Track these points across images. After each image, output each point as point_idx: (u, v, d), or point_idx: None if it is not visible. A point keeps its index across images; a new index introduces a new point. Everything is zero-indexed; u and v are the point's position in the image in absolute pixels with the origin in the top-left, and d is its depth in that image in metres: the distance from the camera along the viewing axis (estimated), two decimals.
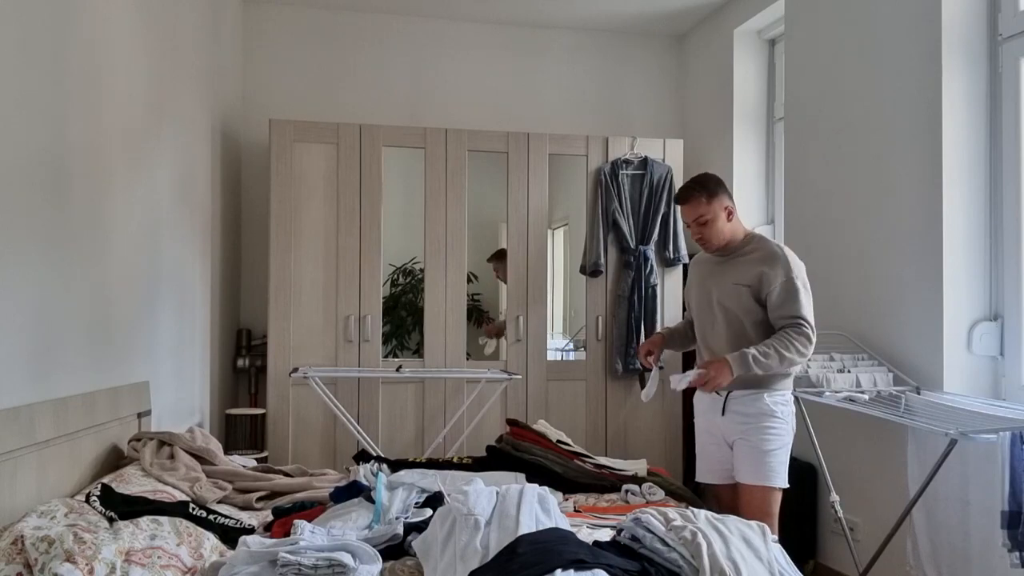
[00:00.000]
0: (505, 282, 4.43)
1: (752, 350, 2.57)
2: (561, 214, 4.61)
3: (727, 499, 2.78)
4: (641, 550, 1.85)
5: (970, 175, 2.97)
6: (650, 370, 2.93)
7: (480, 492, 2.04)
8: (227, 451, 3.28)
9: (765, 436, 2.64)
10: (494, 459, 3.04)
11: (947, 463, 2.64)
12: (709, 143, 4.71)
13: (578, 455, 3.07)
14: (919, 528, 2.92)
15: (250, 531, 2.24)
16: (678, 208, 4.31)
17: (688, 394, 3.01)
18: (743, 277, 2.68)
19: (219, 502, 2.51)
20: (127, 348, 2.81)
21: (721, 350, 2.68)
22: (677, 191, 2.84)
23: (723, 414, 2.69)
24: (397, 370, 4.04)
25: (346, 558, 1.74)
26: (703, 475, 2.85)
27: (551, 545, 1.76)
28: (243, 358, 4.39)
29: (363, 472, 2.67)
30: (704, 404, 2.81)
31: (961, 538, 2.77)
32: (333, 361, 4.06)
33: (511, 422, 3.26)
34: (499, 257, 4.52)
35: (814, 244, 3.66)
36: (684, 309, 3.12)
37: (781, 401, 2.68)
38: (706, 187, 2.71)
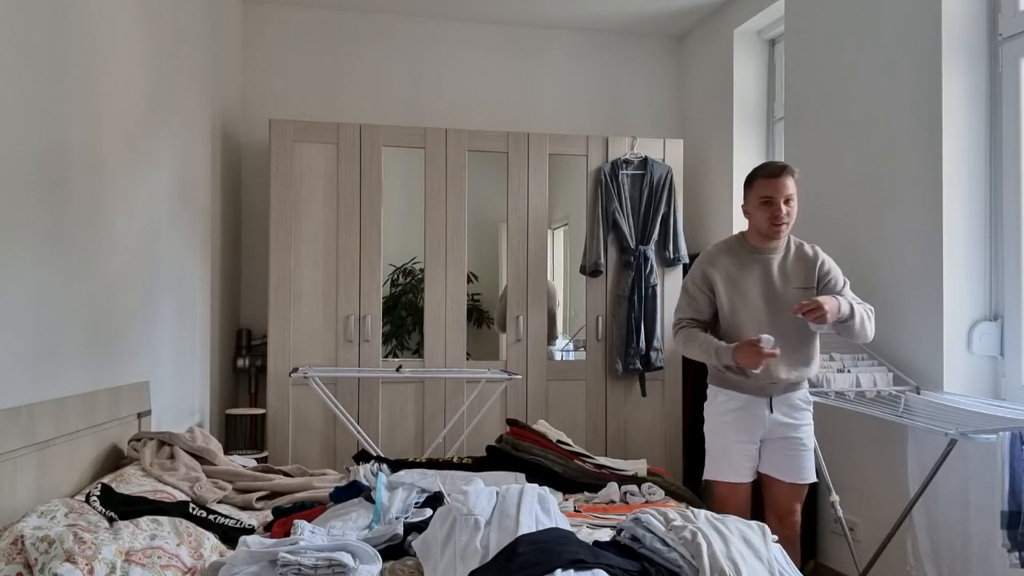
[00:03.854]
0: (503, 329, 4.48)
1: (857, 306, 2.70)
2: (561, 214, 4.61)
3: (744, 496, 2.76)
4: (641, 550, 1.85)
5: (970, 175, 2.97)
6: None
7: (480, 492, 2.04)
8: (227, 451, 3.28)
9: (808, 434, 2.77)
10: (494, 459, 3.04)
11: (947, 463, 2.64)
12: (709, 143, 4.72)
13: (578, 455, 3.07)
14: (919, 528, 2.92)
15: (250, 531, 2.24)
16: (677, 202, 4.35)
17: (691, 394, 3.00)
18: (801, 279, 2.75)
19: (219, 502, 2.51)
20: (127, 348, 2.81)
21: (787, 352, 2.66)
22: (766, 166, 2.74)
23: (771, 412, 2.72)
24: (397, 370, 4.04)
25: (346, 558, 1.74)
26: (728, 474, 2.74)
27: (551, 545, 1.76)
28: (243, 358, 4.39)
29: (363, 472, 2.67)
30: (739, 403, 2.72)
31: (961, 538, 2.77)
32: (333, 361, 4.06)
33: (511, 422, 3.26)
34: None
35: (814, 244, 3.65)
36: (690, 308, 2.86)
37: (809, 398, 2.82)
38: (795, 170, 2.75)
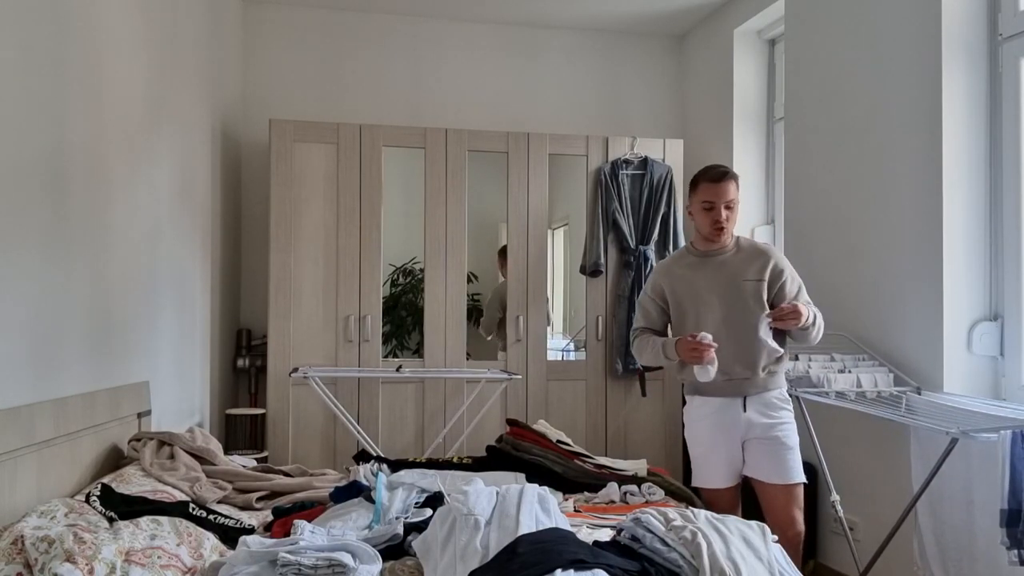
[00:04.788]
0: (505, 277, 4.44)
1: (816, 310, 2.72)
2: (561, 214, 4.62)
3: (728, 500, 2.77)
4: (641, 550, 1.85)
5: (970, 175, 2.97)
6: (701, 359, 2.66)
7: (480, 492, 2.04)
8: (227, 451, 3.28)
9: (788, 432, 2.71)
10: (494, 459, 3.04)
11: (951, 463, 2.64)
12: (709, 143, 4.71)
13: (578, 455, 3.07)
14: (925, 528, 2.92)
15: (250, 531, 2.24)
16: (677, 202, 4.35)
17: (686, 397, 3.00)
18: (752, 273, 2.73)
19: (219, 502, 2.51)
20: (127, 348, 2.81)
21: (743, 347, 2.69)
22: (709, 170, 2.77)
23: (745, 411, 2.70)
24: (397, 370, 4.04)
25: (346, 558, 1.74)
26: (710, 480, 2.77)
27: (551, 545, 1.76)
28: (243, 358, 4.39)
29: (363, 472, 2.67)
30: (712, 406, 2.74)
31: (967, 538, 2.77)
32: (333, 361, 4.06)
33: (511, 422, 3.26)
34: (503, 254, 4.50)
35: (814, 244, 3.66)
36: (644, 319, 2.92)
37: (786, 396, 2.78)
38: (736, 175, 2.80)
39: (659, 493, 2.77)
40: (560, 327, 4.79)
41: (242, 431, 3.95)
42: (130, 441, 2.71)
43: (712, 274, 2.77)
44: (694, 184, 2.81)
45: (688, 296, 2.79)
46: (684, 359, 2.66)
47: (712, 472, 2.77)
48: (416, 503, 2.27)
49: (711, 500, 2.79)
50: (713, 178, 2.75)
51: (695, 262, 2.82)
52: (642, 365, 4.11)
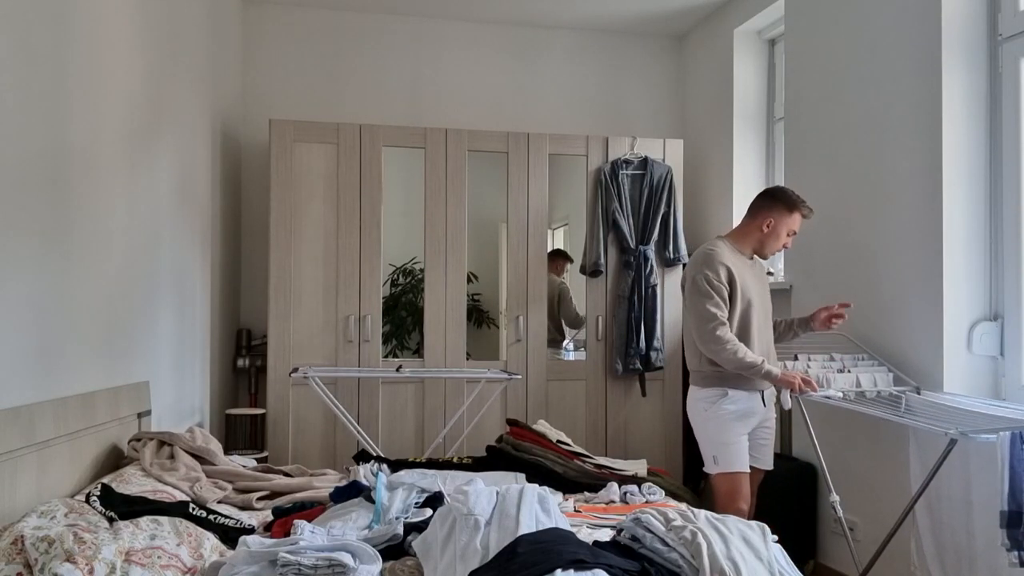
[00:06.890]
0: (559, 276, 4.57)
1: None
2: (561, 214, 4.61)
3: (748, 485, 2.95)
4: (641, 550, 1.85)
5: (970, 175, 2.97)
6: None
7: (480, 492, 2.04)
8: (227, 451, 3.28)
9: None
10: (494, 459, 3.04)
11: (950, 463, 2.64)
12: (709, 143, 4.72)
13: (578, 455, 3.08)
14: (923, 529, 2.91)
15: (250, 531, 2.24)
16: (677, 202, 4.35)
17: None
18: (766, 283, 3.10)
19: (219, 502, 2.51)
20: (127, 348, 2.81)
21: (771, 350, 3.03)
22: (806, 204, 2.99)
23: (764, 404, 2.98)
24: (397, 370, 4.04)
25: (346, 558, 1.74)
26: (744, 464, 2.93)
27: (551, 545, 1.75)
28: (243, 358, 4.39)
29: (363, 472, 2.67)
30: (743, 398, 2.92)
31: (965, 538, 2.76)
32: (333, 361, 4.06)
33: (511, 422, 3.26)
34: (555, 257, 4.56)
35: (814, 244, 3.66)
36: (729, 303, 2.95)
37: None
38: None
39: (659, 493, 2.78)
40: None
41: (242, 431, 3.95)
42: (130, 441, 2.71)
43: (749, 276, 2.99)
44: (789, 207, 2.97)
45: (744, 291, 2.94)
46: (781, 384, 2.88)
47: (741, 457, 2.93)
48: (416, 503, 2.27)
49: (741, 482, 2.91)
50: (806, 215, 3.01)
51: (744, 260, 3.02)
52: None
